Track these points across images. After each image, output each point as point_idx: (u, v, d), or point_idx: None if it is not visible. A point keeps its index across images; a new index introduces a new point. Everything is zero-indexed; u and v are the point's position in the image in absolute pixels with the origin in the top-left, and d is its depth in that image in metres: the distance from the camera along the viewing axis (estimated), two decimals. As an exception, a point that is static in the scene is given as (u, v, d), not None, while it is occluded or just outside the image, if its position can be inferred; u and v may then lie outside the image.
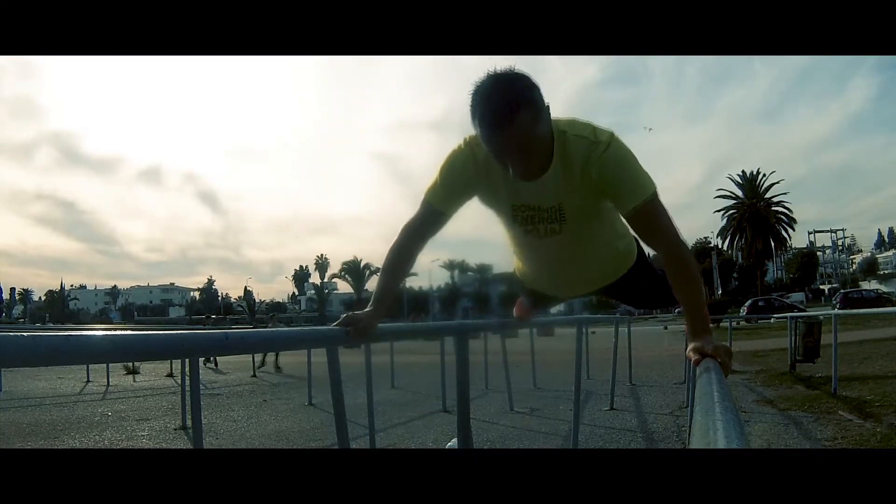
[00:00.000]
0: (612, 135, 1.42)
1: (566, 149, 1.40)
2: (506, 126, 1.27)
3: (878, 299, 26.43)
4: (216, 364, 12.83)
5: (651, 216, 1.41)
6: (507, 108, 1.26)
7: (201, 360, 12.32)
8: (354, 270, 61.65)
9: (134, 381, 10.41)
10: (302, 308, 70.63)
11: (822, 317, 8.91)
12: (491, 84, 1.28)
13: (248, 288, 78.86)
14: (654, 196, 1.41)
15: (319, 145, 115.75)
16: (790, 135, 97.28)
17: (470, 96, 1.30)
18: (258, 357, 11.88)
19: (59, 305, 73.91)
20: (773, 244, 43.56)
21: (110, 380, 10.06)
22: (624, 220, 1.67)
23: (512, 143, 1.30)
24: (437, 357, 6.65)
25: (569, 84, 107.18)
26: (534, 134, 1.30)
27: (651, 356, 10.78)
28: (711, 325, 1.47)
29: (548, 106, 1.33)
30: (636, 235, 1.82)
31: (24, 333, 0.75)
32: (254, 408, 7.16)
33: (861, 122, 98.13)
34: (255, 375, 10.99)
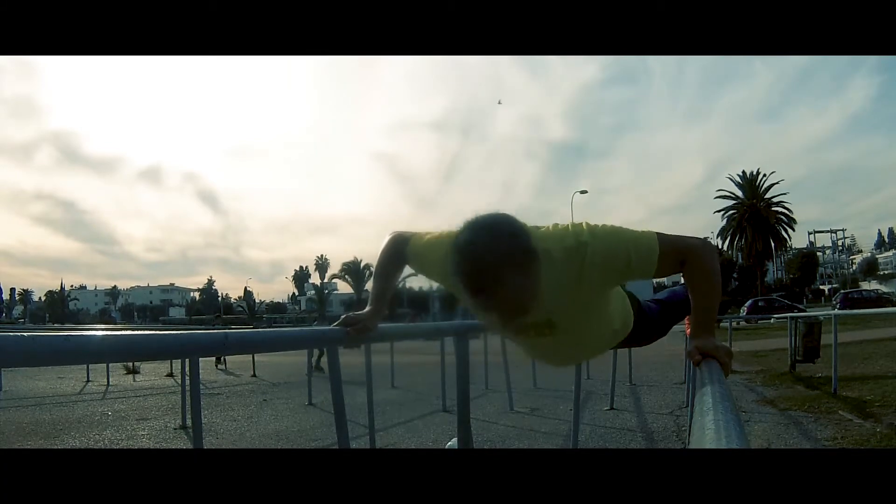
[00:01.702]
0: (589, 226, 1.36)
1: (554, 267, 1.31)
2: (484, 293, 1.17)
3: (879, 299, 26.41)
4: (225, 364, 12.80)
5: (670, 256, 1.37)
6: (485, 276, 1.14)
7: (214, 362, 12.37)
8: (354, 271, 61.64)
9: (134, 380, 10.40)
10: (302, 308, 70.64)
11: (822, 317, 8.90)
12: (469, 241, 1.17)
13: (248, 288, 79.00)
14: (660, 240, 1.36)
15: (319, 145, 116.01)
16: (790, 135, 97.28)
17: (451, 249, 1.20)
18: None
19: (59, 306, 73.90)
20: (773, 244, 43.52)
21: (110, 380, 10.06)
22: (620, 294, 1.66)
23: (492, 306, 1.21)
24: (437, 357, 6.65)
25: (569, 84, 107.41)
26: (516, 291, 1.18)
27: (651, 356, 10.77)
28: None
29: (535, 255, 1.19)
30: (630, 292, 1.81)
31: (24, 333, 0.75)
32: (254, 408, 7.16)
33: (861, 122, 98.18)
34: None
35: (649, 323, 1.90)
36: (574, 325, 1.51)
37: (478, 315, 1.56)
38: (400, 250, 1.57)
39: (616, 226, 1.39)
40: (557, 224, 1.41)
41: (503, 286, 1.15)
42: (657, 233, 1.38)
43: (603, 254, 1.33)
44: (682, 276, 1.46)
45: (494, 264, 1.14)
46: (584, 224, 1.38)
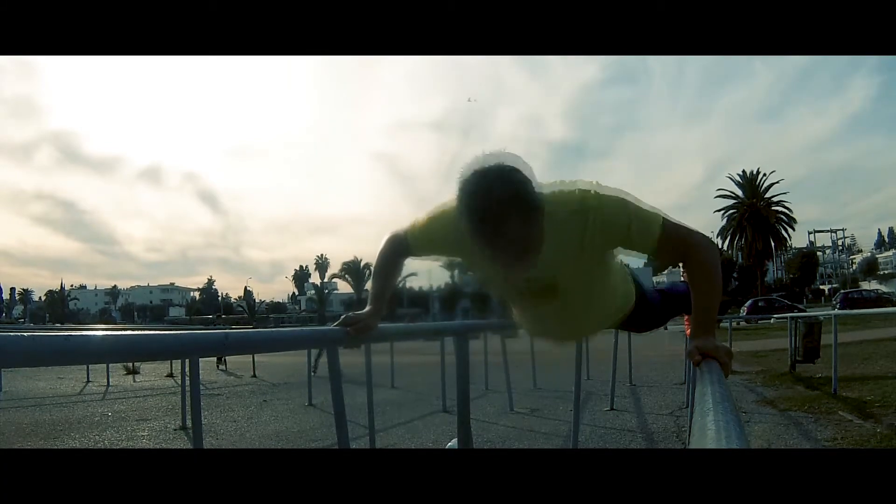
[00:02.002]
0: (597, 190, 1.37)
1: (559, 227, 1.34)
2: (494, 235, 1.21)
3: (879, 299, 26.40)
4: (226, 365, 12.75)
5: (671, 240, 1.38)
6: (495, 217, 1.19)
7: (216, 363, 12.31)
8: (354, 270, 61.60)
9: (134, 381, 10.40)
10: (302, 308, 70.65)
11: (822, 317, 8.90)
12: (478, 185, 1.20)
13: (248, 288, 78.95)
14: (665, 222, 1.37)
15: (319, 145, 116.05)
16: (790, 135, 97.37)
17: (458, 187, 1.23)
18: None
19: (59, 305, 73.88)
20: (773, 244, 43.54)
21: (110, 380, 10.05)
22: (620, 261, 1.66)
23: (500, 249, 1.24)
24: (437, 357, 6.65)
25: (569, 84, 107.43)
26: (524, 237, 1.23)
27: (651, 356, 10.77)
28: None
29: (539, 200, 1.24)
30: (632, 271, 1.82)
31: (24, 333, 0.75)
32: (254, 408, 7.16)
33: (861, 122, 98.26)
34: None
35: (650, 309, 1.92)
36: (576, 291, 1.52)
37: (484, 278, 1.57)
38: (400, 245, 1.58)
39: (626, 196, 1.39)
40: (564, 181, 1.42)
41: (509, 228, 1.19)
42: (664, 216, 1.38)
43: (605, 220, 1.35)
44: (684, 273, 1.47)
45: (503, 202, 1.18)
46: (592, 189, 1.38)
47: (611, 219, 1.35)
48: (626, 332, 2.78)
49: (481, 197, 1.19)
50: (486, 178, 1.20)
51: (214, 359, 12.36)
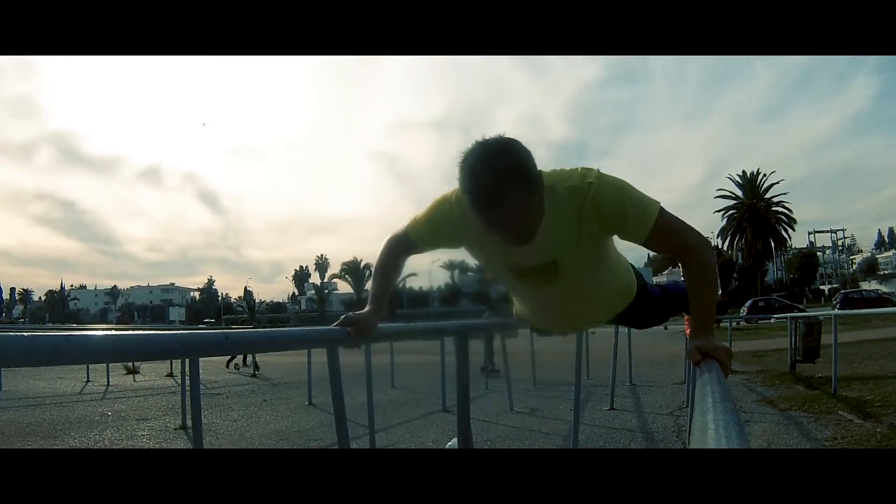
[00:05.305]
0: (598, 172, 1.38)
1: (558, 204, 1.36)
2: (494, 205, 1.23)
3: (879, 300, 26.40)
4: (239, 367, 12.45)
5: (666, 232, 1.38)
6: (495, 187, 1.21)
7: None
8: (354, 271, 61.60)
9: (134, 380, 10.40)
10: (302, 308, 70.65)
11: (822, 317, 8.90)
12: (479, 157, 1.23)
13: (248, 288, 78.90)
14: (662, 211, 1.37)
15: (319, 145, 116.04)
16: (790, 135, 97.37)
17: (458, 165, 1.25)
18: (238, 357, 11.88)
19: (59, 305, 73.93)
20: (773, 244, 43.53)
21: (110, 380, 10.05)
22: (620, 254, 1.67)
23: (501, 220, 1.26)
24: (437, 357, 6.65)
25: (569, 84, 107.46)
26: (524, 207, 1.26)
27: (651, 356, 10.77)
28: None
29: (539, 177, 1.29)
30: (633, 264, 1.82)
31: (24, 333, 0.75)
32: (254, 408, 7.15)
33: (861, 122, 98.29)
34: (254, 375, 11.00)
35: (651, 303, 1.91)
36: (576, 275, 1.52)
37: (486, 263, 1.57)
38: (401, 242, 1.57)
39: (626, 182, 1.40)
40: (565, 168, 1.43)
41: (510, 197, 1.21)
42: (661, 207, 1.38)
43: (602, 200, 1.35)
44: (682, 273, 1.47)
45: (503, 171, 1.21)
46: (595, 170, 1.39)
47: (608, 199, 1.35)
48: (627, 328, 2.79)
49: (482, 166, 1.22)
50: (486, 149, 1.23)
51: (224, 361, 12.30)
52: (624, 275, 1.77)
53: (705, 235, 1.57)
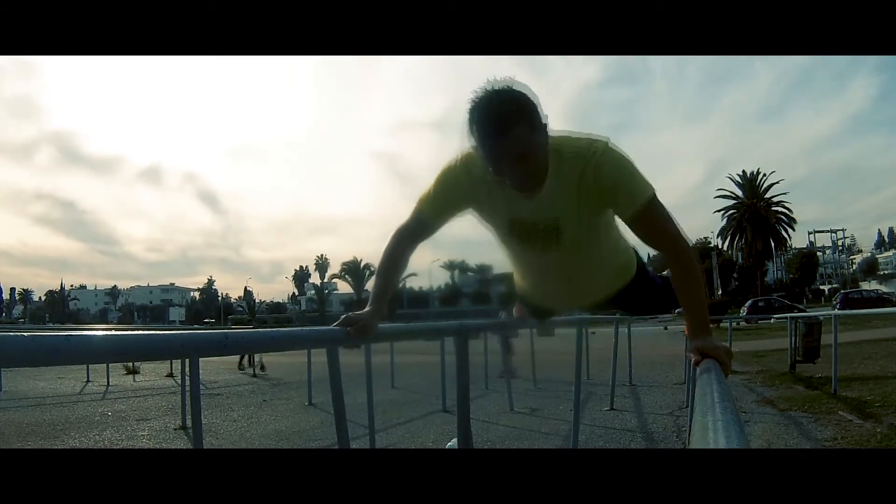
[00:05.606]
0: (606, 142, 1.41)
1: (562, 164, 1.40)
2: (504, 135, 1.27)
3: (879, 300, 26.40)
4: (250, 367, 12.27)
5: (652, 219, 1.41)
6: (506, 118, 1.26)
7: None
8: (354, 271, 61.69)
9: (134, 381, 10.40)
10: (302, 308, 70.67)
11: (822, 317, 8.90)
12: (489, 95, 1.28)
13: (248, 288, 78.86)
14: (653, 198, 1.40)
15: (319, 145, 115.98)
16: (790, 135, 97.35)
17: (468, 107, 1.30)
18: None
19: (59, 305, 73.95)
20: (773, 244, 43.56)
21: (110, 380, 10.05)
22: (623, 234, 1.68)
23: (510, 153, 1.29)
24: (437, 357, 6.65)
25: (569, 84, 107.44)
26: (532, 144, 1.30)
27: (651, 356, 10.78)
28: (711, 325, 1.48)
29: (546, 125, 1.34)
30: (635, 246, 1.84)
31: (24, 333, 0.75)
32: (254, 408, 7.15)
33: (861, 122, 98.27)
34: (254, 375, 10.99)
35: (650, 288, 1.93)
36: (578, 242, 1.55)
37: (493, 226, 1.59)
38: (412, 228, 1.57)
39: (630, 160, 1.42)
40: (575, 134, 1.46)
41: (517, 133, 1.27)
42: (655, 195, 1.40)
43: (602, 170, 1.38)
44: (672, 276, 1.47)
45: (514, 104, 1.28)
46: (603, 141, 1.42)
47: (607, 169, 1.38)
48: (627, 324, 2.79)
49: (493, 100, 1.27)
50: (495, 88, 1.29)
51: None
52: (625, 251, 1.81)
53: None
